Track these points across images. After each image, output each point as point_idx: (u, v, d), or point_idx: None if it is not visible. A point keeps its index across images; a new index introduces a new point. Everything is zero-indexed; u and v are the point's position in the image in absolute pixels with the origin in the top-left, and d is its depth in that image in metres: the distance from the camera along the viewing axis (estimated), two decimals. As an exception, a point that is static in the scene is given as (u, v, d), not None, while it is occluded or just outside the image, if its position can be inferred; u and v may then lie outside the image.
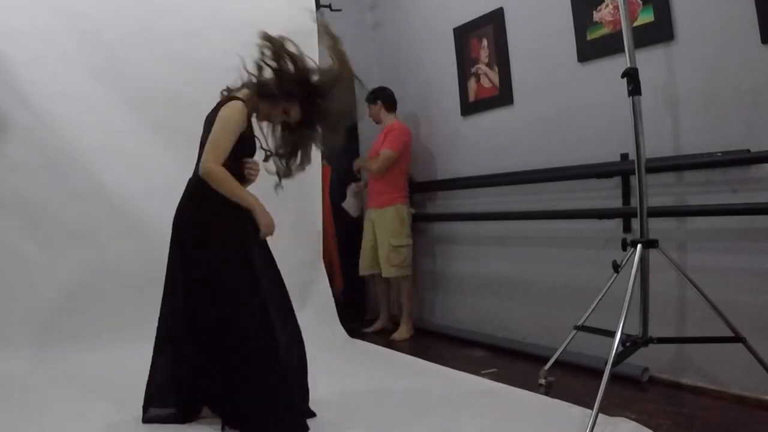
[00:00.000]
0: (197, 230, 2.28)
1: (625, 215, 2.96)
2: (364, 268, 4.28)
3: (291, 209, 3.92)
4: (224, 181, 2.21)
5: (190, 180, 2.37)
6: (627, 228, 2.96)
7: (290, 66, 2.26)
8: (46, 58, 3.31)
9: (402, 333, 4.10)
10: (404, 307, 4.16)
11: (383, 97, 4.23)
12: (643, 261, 2.41)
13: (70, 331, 3.29)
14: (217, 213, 2.26)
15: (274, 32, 3.82)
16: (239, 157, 2.32)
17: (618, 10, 2.73)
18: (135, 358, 3.19)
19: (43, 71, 3.29)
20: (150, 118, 3.58)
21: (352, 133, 4.77)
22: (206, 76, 3.67)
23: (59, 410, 2.57)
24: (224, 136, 2.21)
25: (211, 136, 2.23)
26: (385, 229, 4.08)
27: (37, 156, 3.30)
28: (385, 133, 4.10)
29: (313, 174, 3.85)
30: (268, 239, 2.37)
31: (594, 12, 3.10)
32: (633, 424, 2.23)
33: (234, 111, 2.25)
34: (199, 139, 2.35)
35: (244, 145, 2.32)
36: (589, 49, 3.13)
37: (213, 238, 2.26)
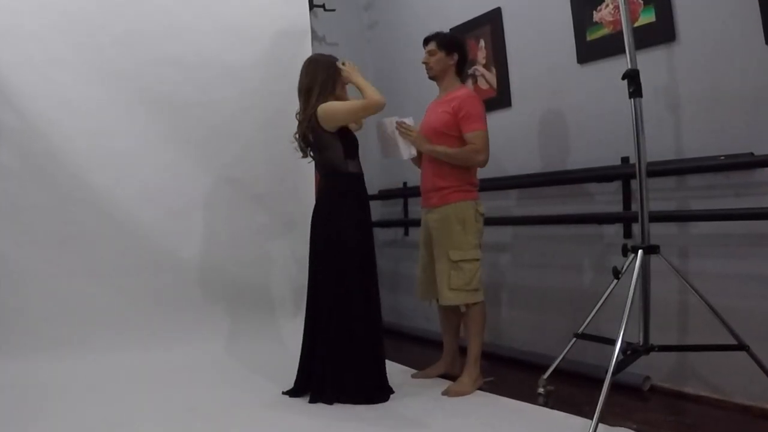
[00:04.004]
0: (328, 222, 2.83)
1: (626, 220, 2.92)
2: (421, 292, 3.15)
3: (286, 213, 3.90)
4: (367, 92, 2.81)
5: (318, 184, 2.98)
6: (627, 233, 2.92)
7: None
8: (34, 60, 3.25)
9: (463, 385, 2.85)
10: (469, 348, 2.93)
11: (462, 54, 3.04)
12: (644, 267, 2.38)
13: (60, 336, 3.24)
14: (343, 208, 2.84)
15: (267, 32, 3.84)
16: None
17: (618, 11, 2.70)
18: (127, 362, 3.18)
19: (31, 73, 3.24)
20: (142, 121, 3.53)
21: None
22: (199, 78, 3.65)
23: (53, 416, 2.52)
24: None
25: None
26: (442, 236, 2.93)
27: (24, 159, 3.25)
28: (458, 106, 2.87)
29: (306, 180, 3.82)
30: None
31: (594, 12, 3.06)
32: (634, 435, 2.20)
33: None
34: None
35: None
36: (589, 50, 3.10)
37: (340, 228, 2.80)
